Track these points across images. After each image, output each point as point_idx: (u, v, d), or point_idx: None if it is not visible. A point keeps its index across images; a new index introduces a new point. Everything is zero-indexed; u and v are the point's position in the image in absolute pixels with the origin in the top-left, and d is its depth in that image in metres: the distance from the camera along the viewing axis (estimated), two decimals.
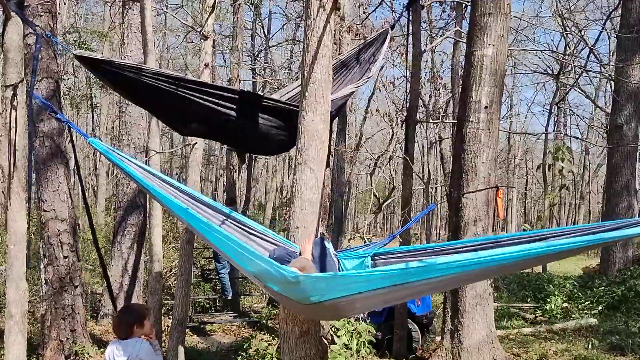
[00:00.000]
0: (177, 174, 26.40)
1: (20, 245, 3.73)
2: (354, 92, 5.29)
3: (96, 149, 3.87)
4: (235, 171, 11.40)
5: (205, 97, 4.41)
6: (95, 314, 9.49)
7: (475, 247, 3.75)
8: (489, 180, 6.47)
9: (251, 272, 3.26)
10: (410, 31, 7.20)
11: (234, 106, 4.54)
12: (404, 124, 8.03)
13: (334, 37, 7.71)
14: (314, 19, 3.91)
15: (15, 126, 3.76)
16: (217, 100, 4.45)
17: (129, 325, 3.56)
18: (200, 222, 3.38)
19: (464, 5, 12.52)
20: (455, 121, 7.85)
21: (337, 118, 8.04)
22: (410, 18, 7.04)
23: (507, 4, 6.47)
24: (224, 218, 4.06)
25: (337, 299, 3.07)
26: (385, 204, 17.96)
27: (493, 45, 6.38)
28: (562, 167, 5.94)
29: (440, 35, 13.23)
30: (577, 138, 27.80)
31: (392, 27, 6.08)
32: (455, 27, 12.50)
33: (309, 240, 3.75)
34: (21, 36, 3.86)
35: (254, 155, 18.65)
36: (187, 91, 4.30)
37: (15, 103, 3.76)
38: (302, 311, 3.57)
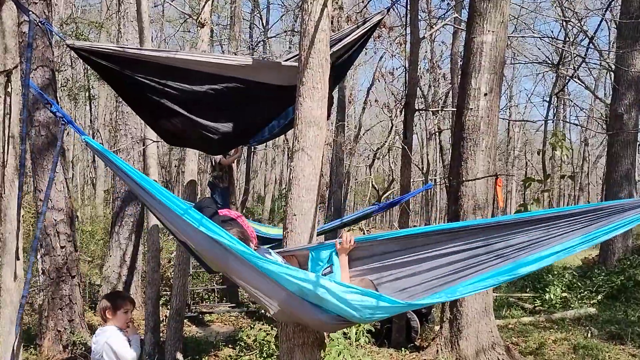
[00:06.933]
0: (175, 167, 26.34)
1: (15, 232, 3.69)
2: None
3: (89, 147, 3.76)
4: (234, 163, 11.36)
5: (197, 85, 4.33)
6: (93, 305, 9.46)
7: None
8: (489, 169, 6.42)
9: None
10: (408, 19, 7.15)
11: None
12: (402, 112, 7.99)
13: (332, 24, 7.67)
14: (311, 3, 3.85)
15: (10, 113, 3.71)
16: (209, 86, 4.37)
17: (102, 310, 3.77)
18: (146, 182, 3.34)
19: None
20: (455, 110, 7.80)
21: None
22: (408, 6, 6.98)
23: None
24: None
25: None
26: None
27: (493, 31, 6.32)
28: (565, 154, 5.88)
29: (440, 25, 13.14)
30: (577, 125, 27.76)
31: (388, 10, 5.99)
32: (454, 15, 12.41)
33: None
34: (15, 21, 3.79)
35: (252, 147, 18.57)
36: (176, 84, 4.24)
37: (9, 89, 3.71)
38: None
